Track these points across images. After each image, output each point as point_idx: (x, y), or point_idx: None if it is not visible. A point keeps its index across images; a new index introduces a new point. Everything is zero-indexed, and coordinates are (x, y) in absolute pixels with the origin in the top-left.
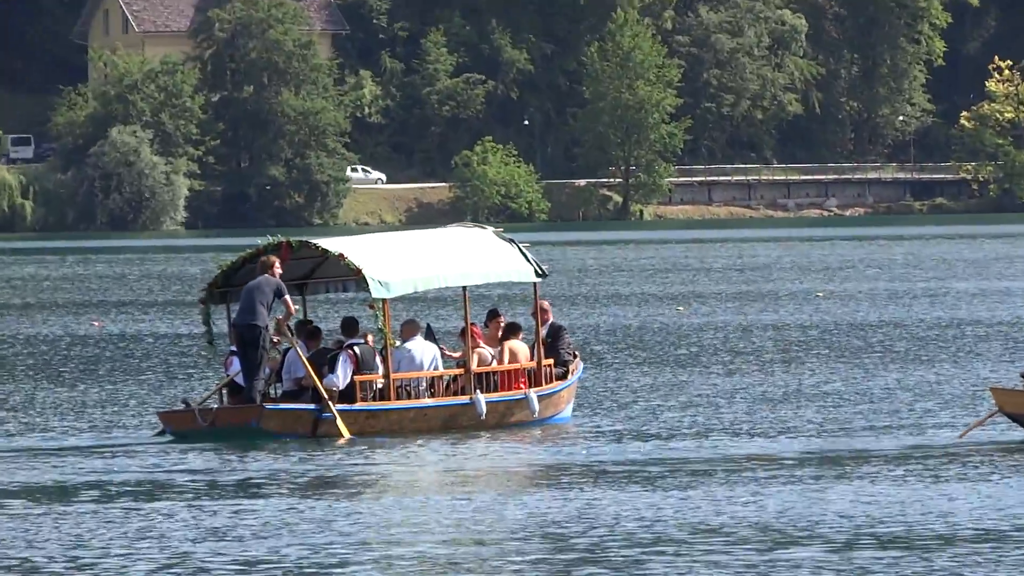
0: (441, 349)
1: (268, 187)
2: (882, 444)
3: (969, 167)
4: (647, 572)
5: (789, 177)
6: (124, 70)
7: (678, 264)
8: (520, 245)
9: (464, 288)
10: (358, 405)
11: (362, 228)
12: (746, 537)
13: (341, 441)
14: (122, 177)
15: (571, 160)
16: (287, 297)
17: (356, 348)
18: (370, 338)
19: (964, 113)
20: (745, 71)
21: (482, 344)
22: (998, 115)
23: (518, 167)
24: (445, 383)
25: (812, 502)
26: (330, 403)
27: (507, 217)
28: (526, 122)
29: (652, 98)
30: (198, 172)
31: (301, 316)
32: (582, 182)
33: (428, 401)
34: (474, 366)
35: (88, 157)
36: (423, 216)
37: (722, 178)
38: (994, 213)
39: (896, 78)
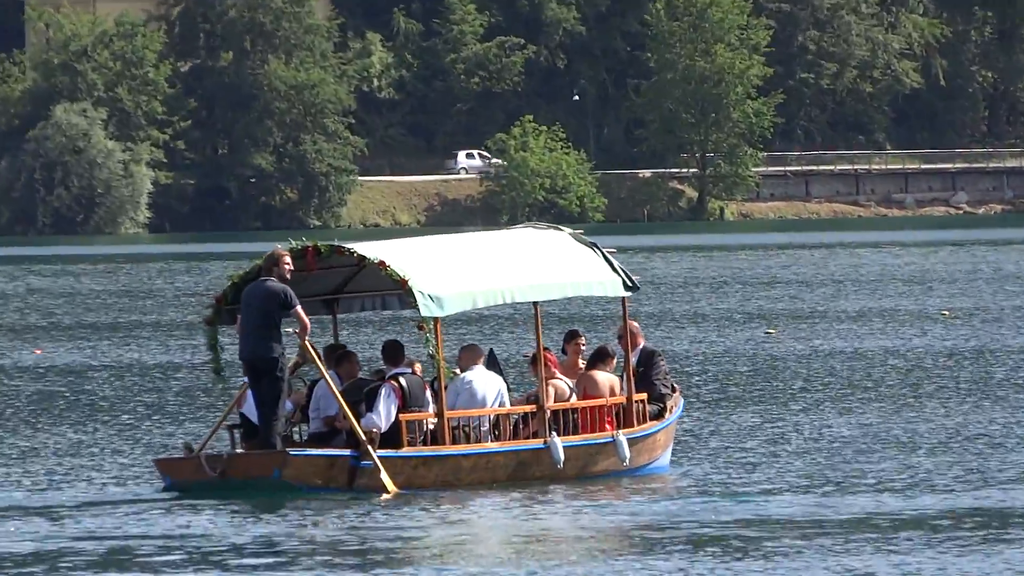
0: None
1: (252, 180)
2: None
3: None
4: None
5: (907, 166)
6: (71, 33)
7: (767, 276)
8: (604, 251)
9: (536, 304)
10: (405, 451)
11: (372, 232)
12: None
13: (384, 496)
14: (69, 168)
15: (633, 145)
16: (298, 308)
17: (401, 379)
18: (418, 367)
19: None
20: (851, 33)
21: (559, 375)
22: None
23: (566, 154)
24: (513, 423)
25: (950, 570)
26: (370, 448)
27: (553, 217)
28: (576, 97)
29: (734, 67)
30: (164, 161)
31: (332, 339)
32: (647, 173)
33: (492, 446)
34: (549, 402)
35: (26, 143)
36: (447, 216)
37: (822, 168)
38: None
39: None
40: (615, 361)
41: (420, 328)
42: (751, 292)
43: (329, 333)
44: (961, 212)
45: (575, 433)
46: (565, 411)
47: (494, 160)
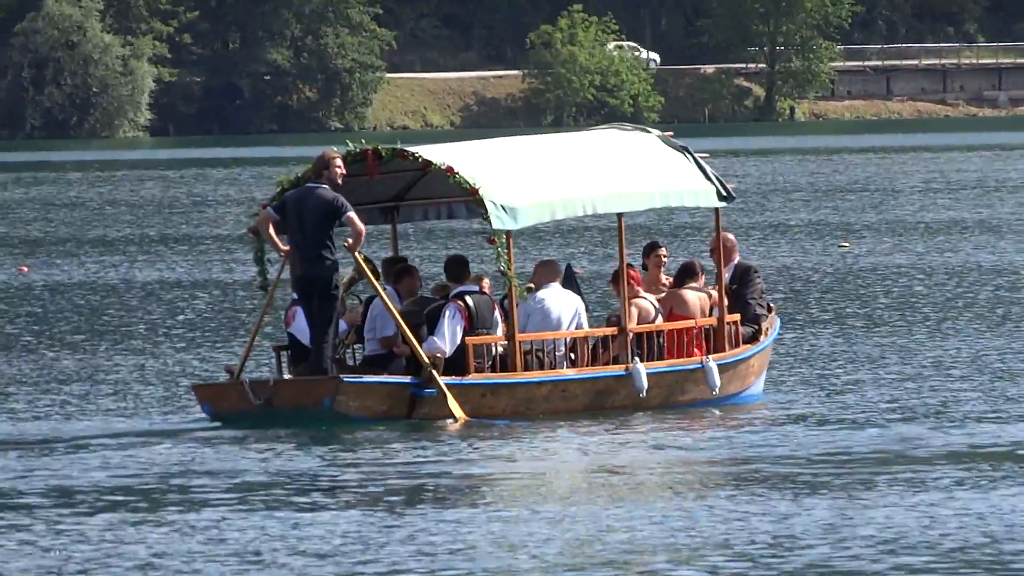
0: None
1: (267, 77)
2: None
3: None
4: None
5: (1000, 61)
6: None
7: (843, 183)
8: (697, 156)
9: (620, 216)
10: (471, 378)
11: (400, 134)
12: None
13: (449, 426)
14: (61, 64)
15: (693, 38)
16: (351, 214)
17: (468, 298)
18: (486, 284)
19: None
20: None
21: (643, 294)
22: None
23: (620, 49)
24: (592, 347)
25: None
26: (434, 374)
27: (604, 117)
28: None
29: None
30: (168, 57)
31: (391, 251)
32: (709, 68)
33: (568, 372)
34: (632, 324)
35: (13, 37)
36: (485, 117)
37: (906, 62)
38: None
39: None
40: (704, 278)
41: (491, 242)
42: (826, 201)
43: (388, 245)
44: None
45: (660, 358)
46: (649, 334)
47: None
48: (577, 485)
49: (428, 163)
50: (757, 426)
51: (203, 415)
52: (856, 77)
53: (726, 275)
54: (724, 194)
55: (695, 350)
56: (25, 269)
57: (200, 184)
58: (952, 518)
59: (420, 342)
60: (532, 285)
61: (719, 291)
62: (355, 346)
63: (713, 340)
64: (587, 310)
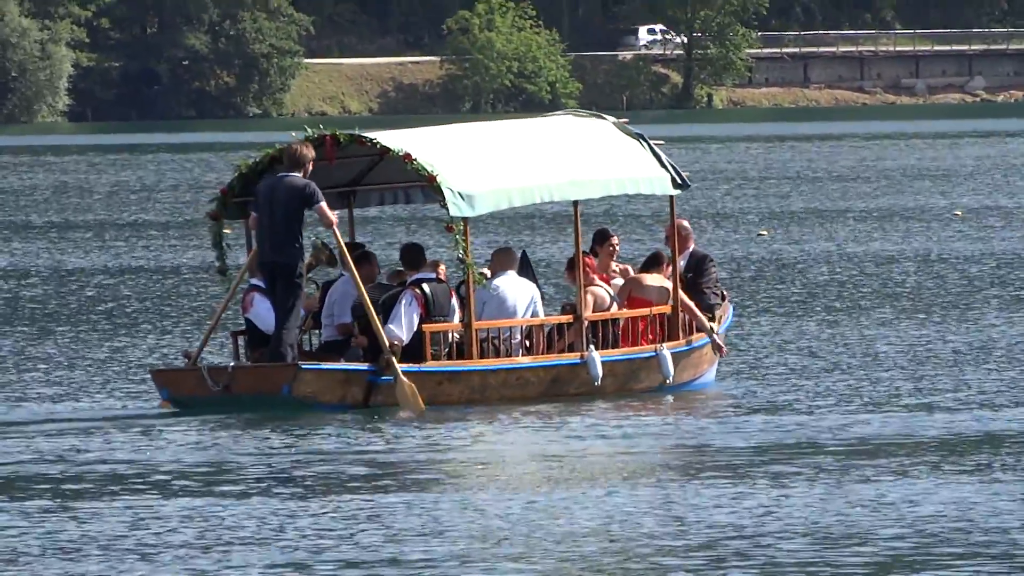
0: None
1: (185, 63)
2: None
3: None
4: None
5: (917, 48)
6: None
7: (759, 170)
8: (651, 143)
9: (575, 204)
10: (428, 365)
11: (318, 119)
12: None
13: (404, 414)
14: None
15: (611, 23)
16: (322, 204)
17: (424, 286)
18: (443, 270)
19: None
20: None
21: (598, 282)
22: None
23: (536, 34)
24: (547, 335)
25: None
26: (393, 361)
27: (521, 104)
28: None
29: None
30: (86, 41)
31: (348, 238)
32: (627, 55)
33: (524, 360)
34: (588, 312)
35: None
36: (403, 103)
37: (823, 49)
38: None
39: None
40: (668, 268)
41: (448, 229)
42: (740, 189)
43: (345, 231)
44: (978, 100)
45: (615, 347)
46: (604, 322)
47: (673, 36)
48: (528, 473)
49: (386, 149)
50: (709, 414)
51: (160, 400)
52: (774, 64)
53: (681, 263)
54: (679, 182)
55: (649, 337)
56: None
57: (129, 170)
58: (900, 504)
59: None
60: (487, 272)
61: (673, 279)
62: (312, 331)
63: (667, 327)
64: (542, 298)
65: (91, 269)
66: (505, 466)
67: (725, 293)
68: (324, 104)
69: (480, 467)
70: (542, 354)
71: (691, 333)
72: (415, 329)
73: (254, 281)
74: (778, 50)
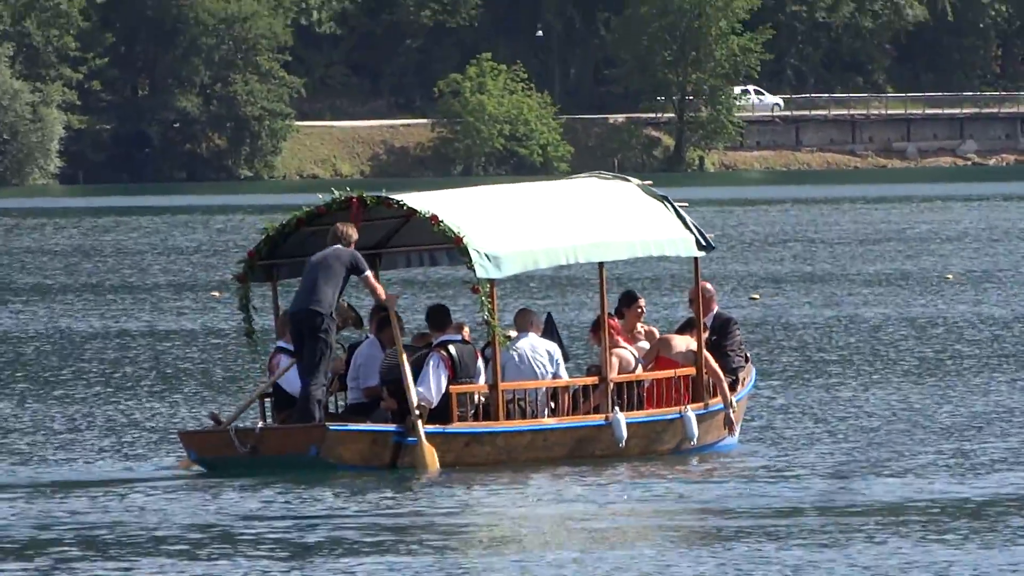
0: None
1: (176, 125)
2: None
3: None
4: None
5: (909, 111)
6: None
7: (751, 233)
8: (676, 205)
9: (601, 265)
10: (455, 426)
11: (310, 183)
12: None
13: (430, 475)
14: None
15: (602, 87)
16: (368, 274)
17: (451, 347)
18: (467, 331)
19: None
20: None
21: (623, 343)
22: None
23: (528, 96)
24: (572, 396)
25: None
26: (418, 424)
27: (512, 167)
28: (539, 33)
29: None
30: (78, 104)
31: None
32: (619, 118)
33: (550, 421)
34: (613, 374)
35: None
36: (394, 165)
37: (815, 112)
38: None
39: None
40: (693, 330)
41: (475, 290)
42: (734, 253)
43: (369, 293)
44: (969, 163)
45: (640, 408)
46: (629, 383)
47: (766, 98)
48: (554, 535)
49: (413, 211)
50: (733, 476)
51: (179, 461)
52: (765, 127)
53: (705, 324)
54: (704, 243)
55: (674, 399)
56: None
57: (129, 233)
58: (917, 568)
59: (402, 392)
60: (513, 334)
61: (698, 340)
62: (338, 393)
63: (692, 389)
64: (566, 358)
65: (101, 332)
66: (530, 529)
67: (748, 355)
68: (315, 167)
69: (507, 529)
70: (567, 415)
71: (715, 395)
72: (444, 391)
73: (281, 343)
74: (770, 113)
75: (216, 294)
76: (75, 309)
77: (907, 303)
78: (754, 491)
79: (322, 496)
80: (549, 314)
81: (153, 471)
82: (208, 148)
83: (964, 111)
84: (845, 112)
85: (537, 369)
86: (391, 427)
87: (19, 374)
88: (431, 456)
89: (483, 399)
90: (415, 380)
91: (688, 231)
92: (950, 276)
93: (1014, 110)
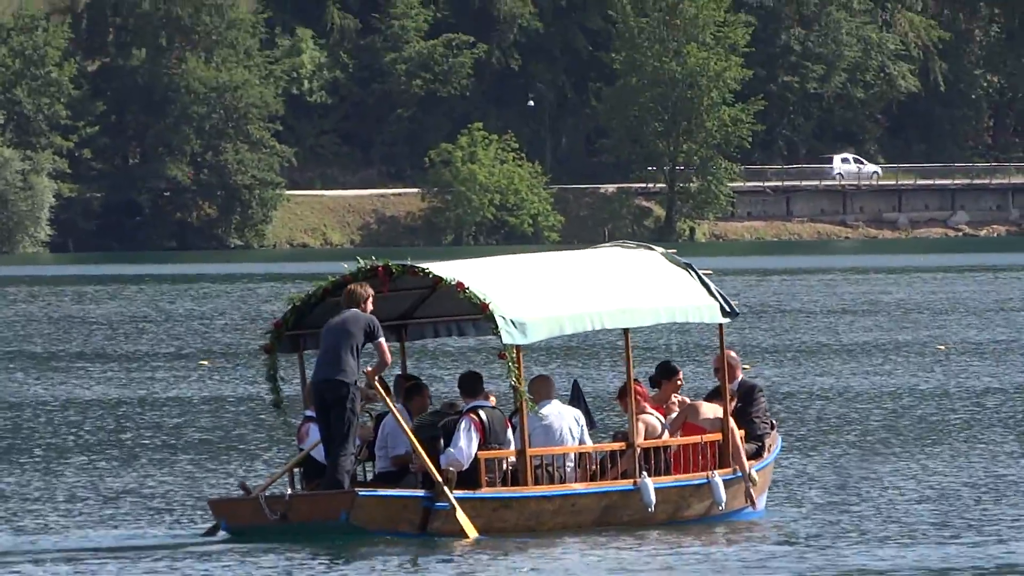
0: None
1: (167, 194)
2: None
3: None
4: None
5: (900, 182)
6: None
7: (742, 303)
8: (701, 273)
9: (626, 332)
10: (484, 492)
11: (301, 252)
12: None
13: (462, 541)
14: None
15: (593, 157)
16: (382, 340)
17: (481, 412)
18: (493, 401)
19: None
20: (840, 32)
21: (649, 409)
22: None
23: (519, 166)
24: (600, 462)
25: None
26: (447, 489)
27: (503, 237)
28: (531, 103)
29: (709, 69)
30: (68, 172)
31: (399, 369)
32: (610, 188)
33: (577, 487)
34: (640, 439)
35: None
36: (385, 235)
37: (806, 183)
38: None
39: None
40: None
41: (501, 357)
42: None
43: (397, 363)
44: (961, 234)
45: (667, 473)
46: (656, 449)
47: (866, 167)
48: None
49: (439, 279)
50: (759, 542)
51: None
52: (756, 198)
53: (731, 391)
54: (728, 310)
55: (701, 464)
56: None
57: (121, 301)
58: None
59: (434, 456)
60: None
61: (724, 408)
62: (366, 462)
63: (719, 456)
64: (592, 425)
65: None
66: None
67: (774, 422)
68: (306, 236)
69: None
70: (596, 480)
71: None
72: (474, 455)
73: (308, 412)
74: (761, 184)
75: (205, 362)
76: (108, 377)
77: (892, 371)
78: (779, 558)
79: (352, 561)
80: (576, 381)
81: (185, 538)
82: (198, 217)
83: (955, 182)
84: (836, 183)
85: (564, 435)
86: (420, 492)
87: (61, 439)
88: (468, 521)
89: (511, 465)
90: (446, 444)
91: (712, 298)
92: (942, 347)
93: (1005, 181)
